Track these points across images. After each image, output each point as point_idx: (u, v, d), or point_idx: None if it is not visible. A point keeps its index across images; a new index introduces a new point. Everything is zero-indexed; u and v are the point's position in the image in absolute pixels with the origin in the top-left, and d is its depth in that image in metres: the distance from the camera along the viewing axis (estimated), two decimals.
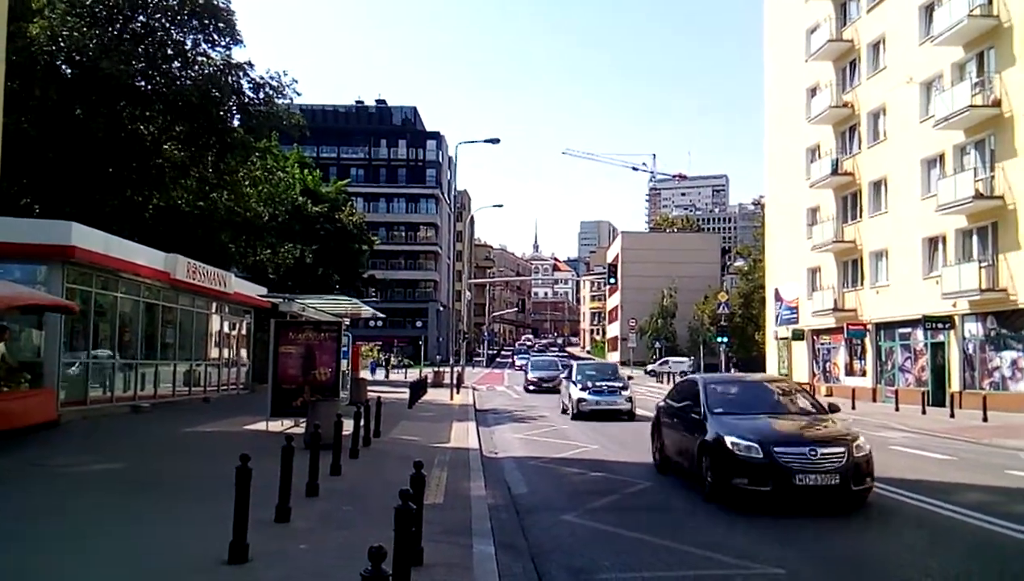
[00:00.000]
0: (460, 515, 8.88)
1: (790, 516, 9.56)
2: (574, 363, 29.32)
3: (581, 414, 23.06)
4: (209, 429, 17.82)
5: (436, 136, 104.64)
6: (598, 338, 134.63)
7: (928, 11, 31.40)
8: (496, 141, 36.90)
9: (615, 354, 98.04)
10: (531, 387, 39.59)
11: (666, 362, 65.95)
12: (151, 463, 12.73)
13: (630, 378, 30.94)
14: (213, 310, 28.00)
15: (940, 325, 29.72)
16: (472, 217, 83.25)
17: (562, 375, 33.08)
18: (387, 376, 53.86)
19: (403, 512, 5.12)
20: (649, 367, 68.45)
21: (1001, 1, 27.40)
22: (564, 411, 25.14)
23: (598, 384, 24.21)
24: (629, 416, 23.23)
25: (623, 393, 23.86)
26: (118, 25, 26.23)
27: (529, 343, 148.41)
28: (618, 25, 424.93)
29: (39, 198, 25.51)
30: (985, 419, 22.41)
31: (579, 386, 24.11)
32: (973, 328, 28.83)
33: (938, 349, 30.62)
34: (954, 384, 29.08)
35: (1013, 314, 26.73)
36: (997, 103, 27.28)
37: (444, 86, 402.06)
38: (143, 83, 26.97)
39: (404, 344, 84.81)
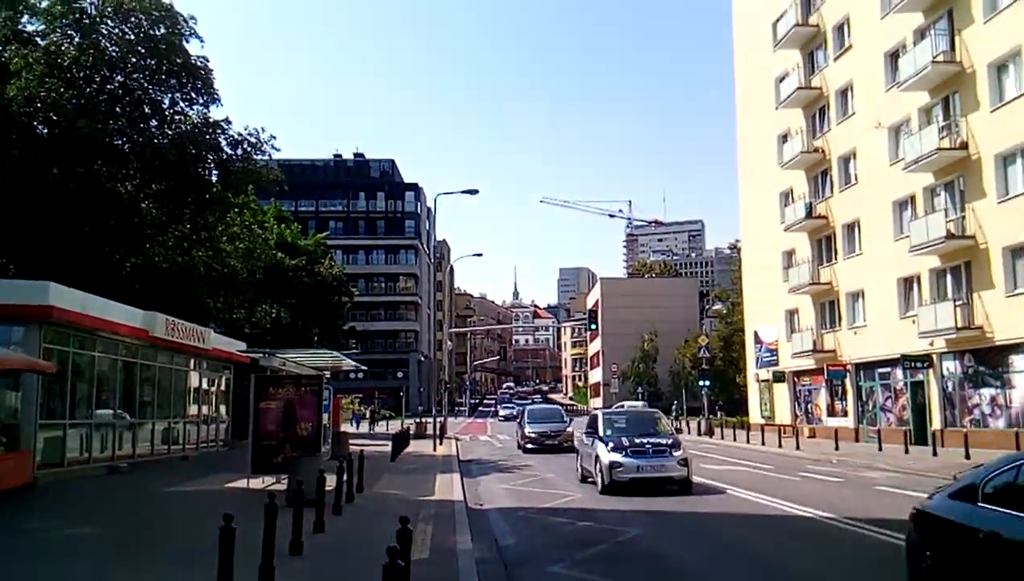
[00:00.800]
0: (447, 570, 8.76)
1: (780, 560, 9.46)
2: (599, 412, 21.89)
3: (617, 485, 16.41)
4: (189, 488, 17.52)
5: (414, 188, 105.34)
6: (580, 384, 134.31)
7: (893, 58, 32.26)
8: (475, 192, 37.11)
9: (598, 400, 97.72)
10: (529, 445, 30.32)
11: (621, 406, 63.12)
12: (130, 525, 12.49)
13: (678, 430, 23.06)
14: (191, 367, 27.73)
15: (919, 364, 29.96)
16: (452, 266, 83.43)
17: (570, 428, 27.31)
18: (372, 428, 53.32)
19: (391, 570, 5.07)
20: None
21: (963, 47, 28.22)
22: (585, 479, 18.82)
23: (638, 441, 17.14)
24: (683, 487, 16.72)
25: (675, 453, 16.93)
26: (95, 85, 26.39)
27: (511, 391, 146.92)
28: (593, 74, 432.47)
29: (15, 258, 25.36)
30: (968, 456, 22.47)
31: (610, 444, 17.15)
32: (951, 366, 29.09)
33: (918, 388, 30.84)
34: (935, 422, 29.21)
35: (990, 351, 27.03)
36: (964, 145, 27.92)
37: (421, 138, 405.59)
38: (121, 142, 27.07)
39: (385, 395, 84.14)
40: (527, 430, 31.50)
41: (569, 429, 28.63)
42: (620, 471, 16.51)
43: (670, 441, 17.50)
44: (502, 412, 77.01)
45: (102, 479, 19.04)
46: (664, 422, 19.88)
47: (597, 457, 17.29)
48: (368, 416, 60.62)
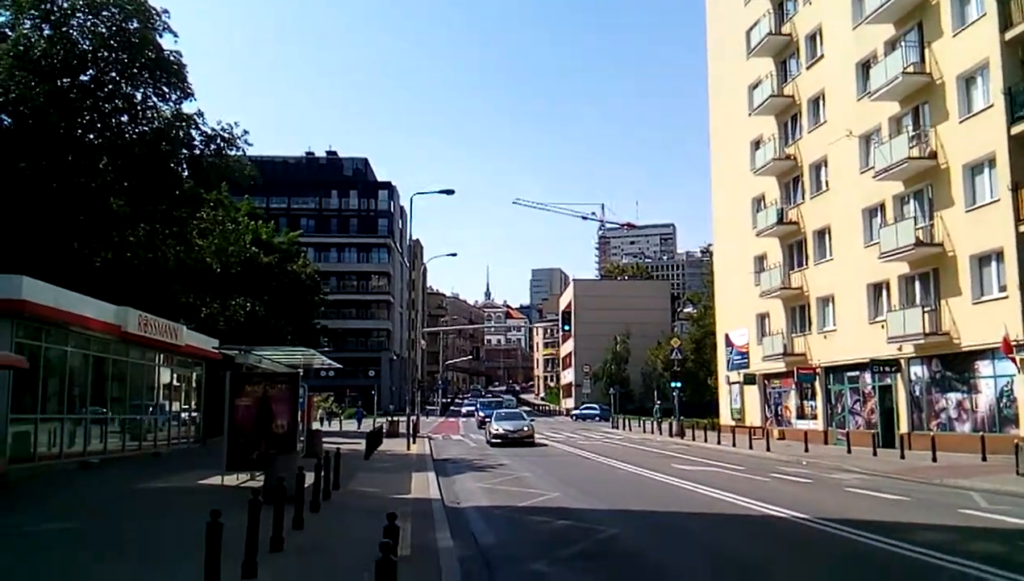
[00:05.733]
0: (430, 567, 8.80)
1: (754, 557, 9.65)
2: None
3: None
4: (163, 485, 17.37)
5: (388, 186, 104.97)
6: (552, 385, 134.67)
7: (865, 68, 32.72)
8: (451, 192, 37.06)
9: (570, 400, 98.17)
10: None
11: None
12: (106, 521, 12.37)
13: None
14: (164, 363, 27.48)
15: (887, 368, 30.40)
16: (425, 266, 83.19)
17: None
18: (359, 427, 52.89)
19: (384, 564, 5.12)
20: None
21: (932, 60, 28.71)
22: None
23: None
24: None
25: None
26: (66, 79, 25.99)
27: (481, 392, 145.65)
28: (569, 78, 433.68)
29: None
30: (935, 459, 22.91)
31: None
32: (919, 371, 29.57)
33: (886, 392, 31.30)
34: (903, 426, 29.68)
35: (956, 357, 27.52)
36: (933, 155, 28.41)
37: (394, 139, 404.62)
38: (91, 136, 26.71)
39: (355, 394, 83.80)
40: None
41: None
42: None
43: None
44: (498, 428, 36.16)
45: (73, 474, 18.80)
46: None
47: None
48: (362, 414, 59.23)
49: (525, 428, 35.42)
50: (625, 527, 12.44)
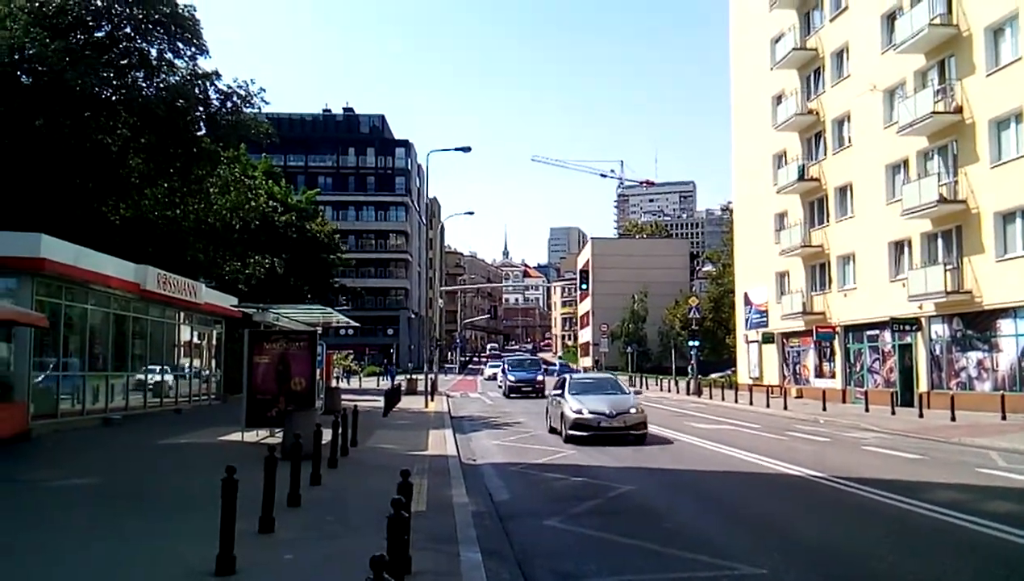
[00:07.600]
0: (444, 522, 8.87)
1: (770, 515, 9.66)
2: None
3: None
4: (184, 441, 17.61)
5: (405, 144, 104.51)
6: (570, 344, 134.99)
7: (890, 20, 31.97)
8: (467, 149, 36.91)
9: (587, 359, 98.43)
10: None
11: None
12: (128, 476, 12.56)
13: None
14: (183, 321, 27.73)
15: (907, 327, 30.18)
16: (443, 224, 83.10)
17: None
18: (392, 383, 52.73)
19: (396, 520, 5.14)
20: None
21: (960, 10, 27.98)
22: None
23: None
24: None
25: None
26: (81, 35, 25.85)
27: (496, 351, 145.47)
28: (587, 32, 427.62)
29: (1, 210, 25.07)
30: (953, 419, 22.79)
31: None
32: (940, 329, 29.32)
33: (906, 350, 31.10)
34: (922, 385, 29.53)
35: (978, 315, 27.23)
36: (959, 110, 27.82)
37: (412, 94, 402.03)
38: (108, 93, 26.63)
39: (375, 352, 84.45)
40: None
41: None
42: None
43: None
44: (580, 408, 18.58)
45: (96, 431, 19.10)
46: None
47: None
48: (391, 370, 57.47)
49: (632, 410, 18.52)
50: (640, 484, 12.47)
